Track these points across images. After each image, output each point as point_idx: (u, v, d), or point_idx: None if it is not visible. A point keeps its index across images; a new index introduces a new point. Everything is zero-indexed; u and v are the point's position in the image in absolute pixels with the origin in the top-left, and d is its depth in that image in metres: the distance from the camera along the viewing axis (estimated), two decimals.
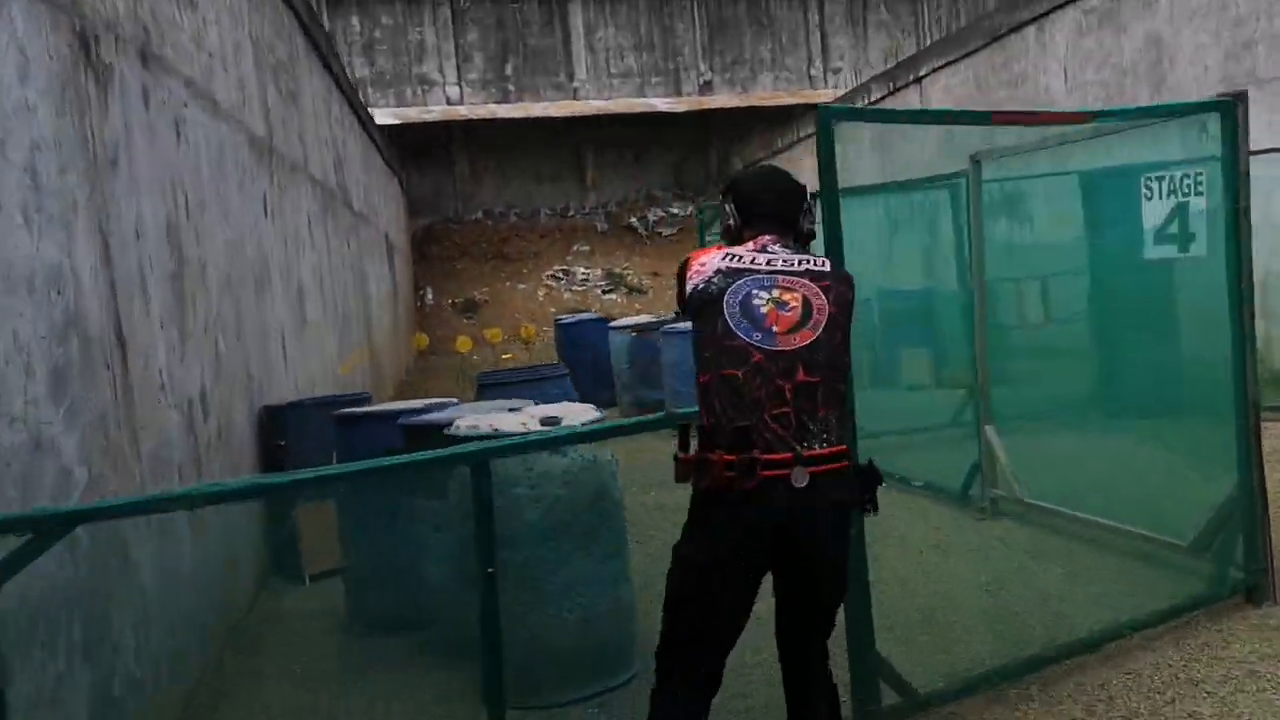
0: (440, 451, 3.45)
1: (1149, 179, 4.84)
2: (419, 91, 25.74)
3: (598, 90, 26.81)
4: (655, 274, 25.06)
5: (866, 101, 18.24)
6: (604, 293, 24.48)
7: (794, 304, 2.74)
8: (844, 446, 2.72)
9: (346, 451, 5.08)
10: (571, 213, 26.83)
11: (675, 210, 26.88)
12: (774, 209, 2.99)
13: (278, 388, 7.00)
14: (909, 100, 16.60)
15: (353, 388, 11.53)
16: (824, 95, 26.87)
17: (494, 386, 6.57)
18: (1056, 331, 6.72)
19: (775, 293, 2.75)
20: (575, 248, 25.77)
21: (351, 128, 13.66)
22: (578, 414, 4.25)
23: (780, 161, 23.13)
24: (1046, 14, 12.56)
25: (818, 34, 28.22)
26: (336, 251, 11.03)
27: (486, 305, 23.68)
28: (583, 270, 25.02)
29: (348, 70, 16.40)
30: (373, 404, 6.60)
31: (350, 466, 3.53)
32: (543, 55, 26.59)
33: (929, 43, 28.62)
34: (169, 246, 4.81)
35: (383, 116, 22.39)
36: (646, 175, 27.50)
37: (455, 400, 5.35)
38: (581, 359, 12.20)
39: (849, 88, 27.09)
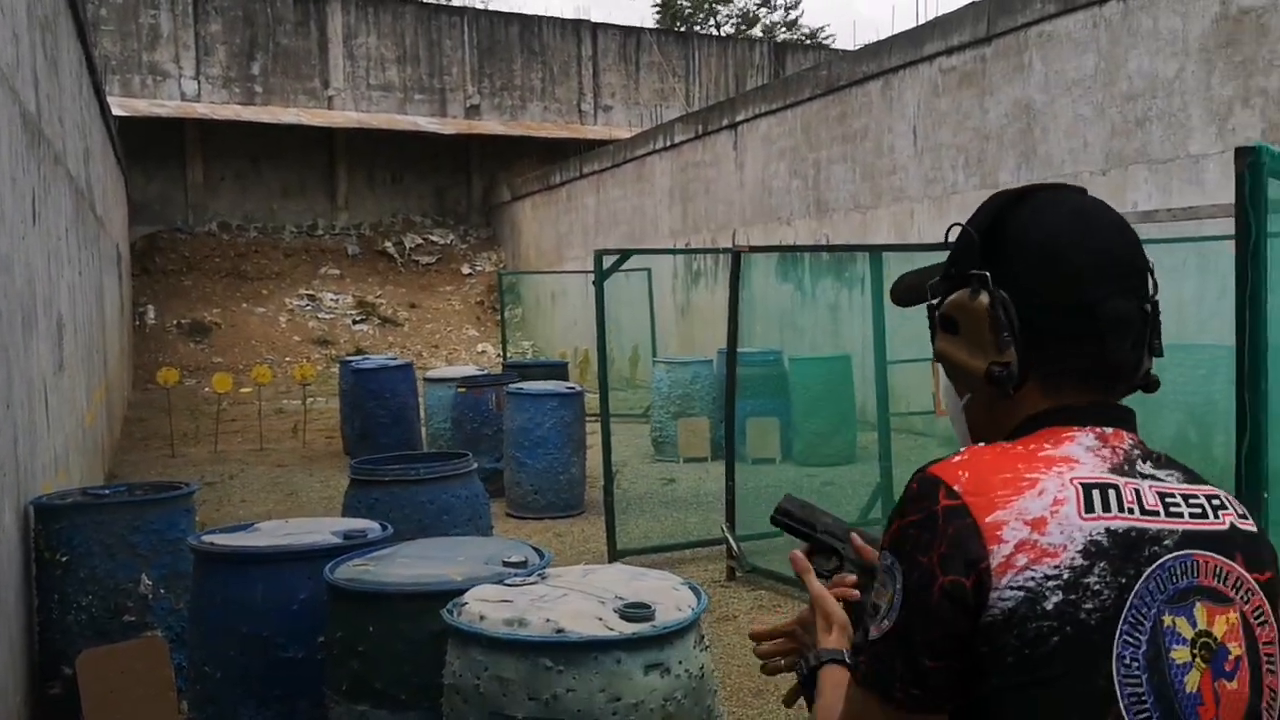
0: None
1: None
2: (150, 82, 22.60)
3: (355, 101, 24.59)
4: (412, 305, 23.07)
5: (668, 142, 17.30)
6: (354, 323, 22.22)
7: (1236, 650, 1.08)
8: None
9: (228, 607, 3.25)
10: (320, 232, 24.29)
11: (435, 238, 24.96)
12: (1127, 328, 1.17)
13: (41, 467, 4.94)
14: (720, 145, 15.76)
15: (98, 441, 9.23)
16: (596, 131, 25.92)
17: (372, 484, 4.80)
18: None
19: (1197, 617, 1.07)
20: (323, 271, 23.30)
21: (96, 115, 11.20)
22: (666, 595, 2.72)
23: (559, 199, 21.84)
24: (895, 70, 11.97)
25: (590, 67, 27.25)
26: (86, 267, 8.74)
27: (218, 330, 20.88)
28: (331, 296, 22.63)
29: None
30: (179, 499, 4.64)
31: None
32: (295, 57, 24.09)
33: (698, 87, 28.37)
34: None
35: None
36: (405, 198, 25.40)
37: (379, 526, 3.62)
38: (378, 415, 10.33)
39: (622, 126, 26.29)
